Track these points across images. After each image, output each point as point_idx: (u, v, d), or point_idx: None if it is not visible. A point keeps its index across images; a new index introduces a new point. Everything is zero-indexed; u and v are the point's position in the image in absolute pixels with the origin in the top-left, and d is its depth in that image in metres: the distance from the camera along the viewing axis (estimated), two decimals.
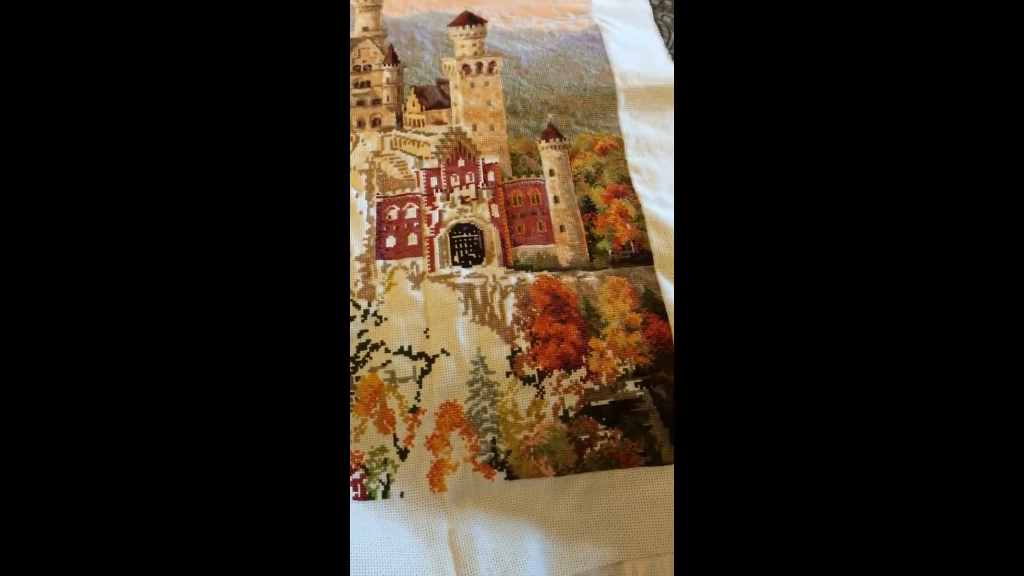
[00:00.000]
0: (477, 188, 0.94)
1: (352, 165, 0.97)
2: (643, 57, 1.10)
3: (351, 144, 1.00)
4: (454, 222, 0.91)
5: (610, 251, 0.88)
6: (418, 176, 0.95)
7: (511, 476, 0.72)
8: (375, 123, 1.03)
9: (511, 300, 0.82)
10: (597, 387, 0.76)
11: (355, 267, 0.87)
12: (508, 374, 0.77)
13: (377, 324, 0.82)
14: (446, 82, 1.04)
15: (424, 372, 0.78)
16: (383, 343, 0.80)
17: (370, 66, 1.06)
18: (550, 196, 0.93)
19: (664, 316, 0.81)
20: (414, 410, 0.76)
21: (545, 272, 0.86)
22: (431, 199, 0.93)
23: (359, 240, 0.89)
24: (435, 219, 0.91)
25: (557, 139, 0.96)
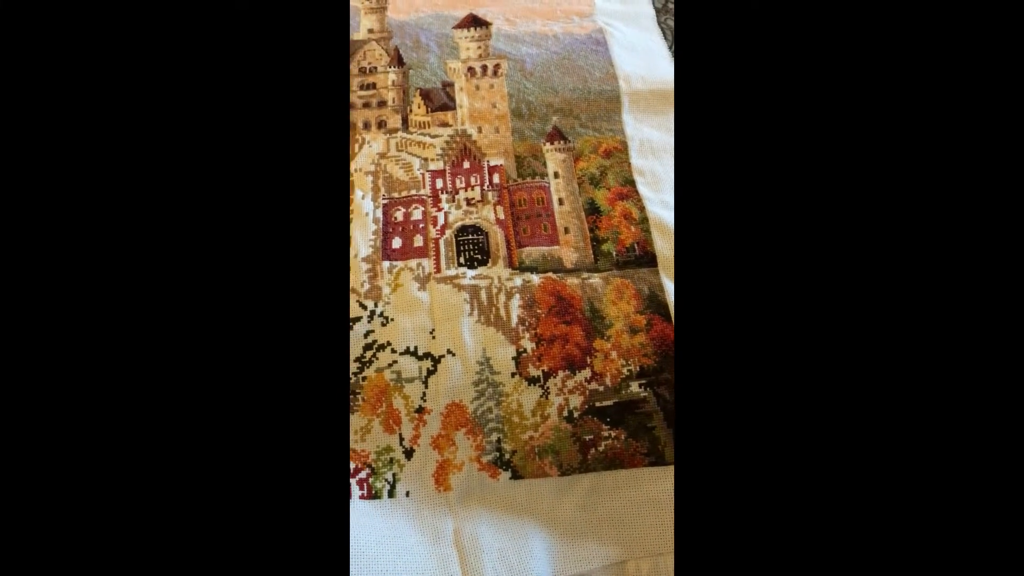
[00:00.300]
0: (482, 190, 0.94)
1: (358, 167, 0.97)
2: (646, 60, 1.10)
3: (357, 146, 1.01)
4: (459, 224, 0.92)
5: (614, 253, 0.89)
6: (424, 178, 0.96)
7: (516, 476, 0.73)
8: (381, 125, 1.03)
9: (516, 301, 0.83)
10: (601, 388, 0.77)
11: (361, 268, 0.87)
12: (513, 375, 0.78)
13: (383, 325, 0.82)
14: (451, 84, 1.05)
15: (430, 372, 0.79)
16: (389, 343, 0.81)
17: (375, 68, 1.07)
18: (555, 198, 0.94)
19: (668, 318, 0.81)
20: (420, 410, 0.76)
21: (550, 274, 0.86)
22: (437, 201, 0.94)
23: (365, 241, 0.90)
24: (441, 220, 0.92)
25: (562, 141, 0.97)
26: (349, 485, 0.72)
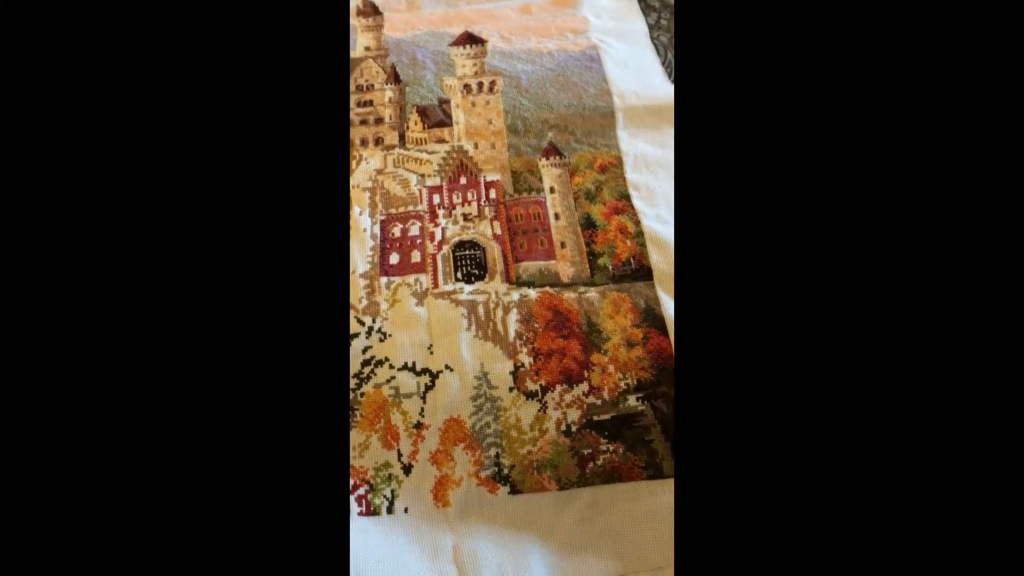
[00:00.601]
0: (479, 205, 0.95)
1: (355, 183, 0.98)
2: (640, 76, 1.12)
3: (355, 162, 1.01)
4: (457, 239, 0.93)
5: (610, 267, 0.89)
6: (421, 194, 0.96)
7: (515, 490, 0.73)
8: (378, 141, 1.04)
9: (513, 316, 0.84)
10: (599, 402, 0.78)
11: (359, 284, 0.88)
12: (511, 389, 0.78)
13: (381, 340, 0.82)
14: (447, 101, 1.06)
15: (428, 388, 0.79)
16: (387, 359, 0.81)
17: (372, 85, 1.08)
18: (551, 213, 0.95)
19: (664, 331, 0.82)
20: (418, 425, 0.77)
21: (547, 288, 0.87)
22: (434, 216, 0.94)
23: (363, 257, 0.90)
24: (438, 236, 0.93)
25: (557, 157, 0.98)
26: (349, 502, 0.72)
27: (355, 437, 0.76)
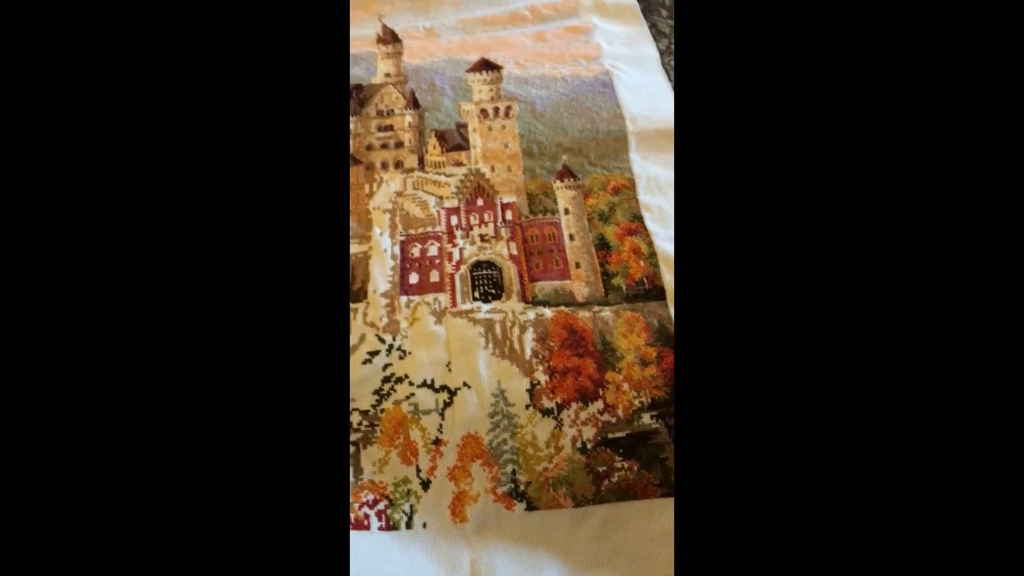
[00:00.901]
0: (496, 226, 0.98)
1: (376, 205, 1.01)
2: (652, 101, 1.14)
3: (376, 185, 1.04)
4: (474, 259, 0.95)
5: (624, 287, 0.91)
6: (439, 215, 0.99)
7: (531, 507, 0.74)
8: (398, 165, 1.07)
9: (530, 335, 0.85)
10: (614, 419, 0.79)
11: (380, 303, 0.90)
12: (527, 407, 0.80)
13: (401, 358, 0.84)
14: (465, 125, 1.09)
15: (446, 405, 0.81)
16: (407, 376, 0.83)
17: (392, 110, 1.11)
18: (566, 234, 0.97)
19: None
20: (437, 442, 0.78)
21: (562, 307, 0.89)
22: (452, 237, 0.97)
23: (384, 277, 0.93)
24: (456, 256, 0.95)
25: (571, 179, 1.00)
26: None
27: (375, 453, 0.78)
